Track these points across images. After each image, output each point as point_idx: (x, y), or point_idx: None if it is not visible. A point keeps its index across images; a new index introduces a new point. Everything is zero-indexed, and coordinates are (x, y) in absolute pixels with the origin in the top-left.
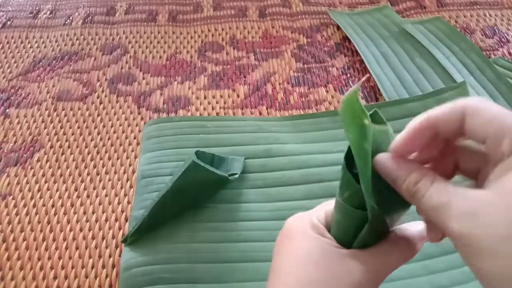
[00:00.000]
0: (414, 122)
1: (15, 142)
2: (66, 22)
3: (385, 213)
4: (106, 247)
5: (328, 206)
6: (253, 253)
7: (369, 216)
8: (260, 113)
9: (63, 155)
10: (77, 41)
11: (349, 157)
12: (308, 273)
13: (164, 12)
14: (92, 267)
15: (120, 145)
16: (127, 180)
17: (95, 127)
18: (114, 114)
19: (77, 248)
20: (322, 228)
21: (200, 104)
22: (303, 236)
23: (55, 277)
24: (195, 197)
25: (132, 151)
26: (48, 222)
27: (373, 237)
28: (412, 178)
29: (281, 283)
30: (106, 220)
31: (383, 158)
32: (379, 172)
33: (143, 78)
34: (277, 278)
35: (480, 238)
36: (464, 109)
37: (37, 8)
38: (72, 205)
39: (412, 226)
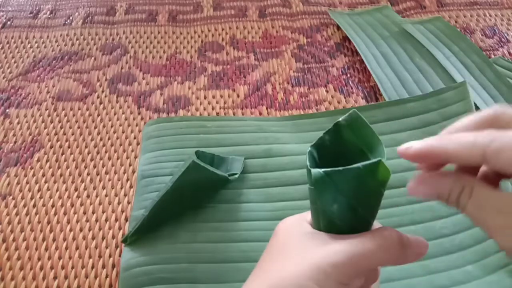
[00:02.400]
0: (430, 150)
1: (15, 142)
2: (66, 22)
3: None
4: (106, 247)
5: None
6: (253, 253)
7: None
8: (260, 113)
9: (63, 155)
10: (77, 41)
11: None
12: (283, 259)
13: (164, 12)
14: (92, 267)
15: (120, 145)
16: (127, 180)
17: (95, 127)
18: (114, 114)
19: (77, 248)
20: (307, 225)
21: (200, 104)
22: (286, 231)
23: (55, 277)
24: (195, 197)
25: (132, 151)
26: (48, 222)
27: (345, 224)
28: (453, 195)
29: (255, 275)
30: (106, 220)
31: (414, 186)
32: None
33: (143, 78)
34: (253, 272)
35: None
36: (484, 150)
37: (37, 8)
38: (72, 205)
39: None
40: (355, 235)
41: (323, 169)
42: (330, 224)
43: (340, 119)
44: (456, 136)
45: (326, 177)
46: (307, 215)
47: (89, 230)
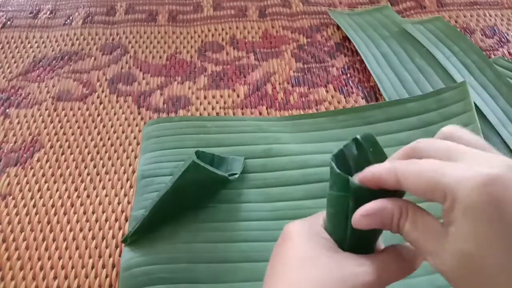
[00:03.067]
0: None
1: (15, 142)
2: (66, 22)
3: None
4: (106, 247)
5: (324, 213)
6: (253, 253)
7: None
8: (260, 113)
9: (63, 155)
10: (77, 41)
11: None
12: (304, 272)
13: (164, 12)
14: (92, 267)
15: (120, 145)
16: (127, 180)
17: (95, 127)
18: (114, 114)
19: (77, 248)
20: (321, 230)
21: (200, 104)
22: (301, 236)
23: (55, 277)
24: (195, 197)
25: (132, 151)
26: (48, 222)
27: (361, 240)
28: (394, 221)
29: (273, 283)
30: (106, 220)
31: (361, 212)
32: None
33: (143, 78)
34: (269, 280)
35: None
36: (396, 177)
37: (37, 8)
38: (72, 205)
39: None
40: (376, 255)
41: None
42: (357, 236)
43: (358, 136)
44: (383, 164)
45: (365, 190)
46: (318, 220)
47: (89, 230)
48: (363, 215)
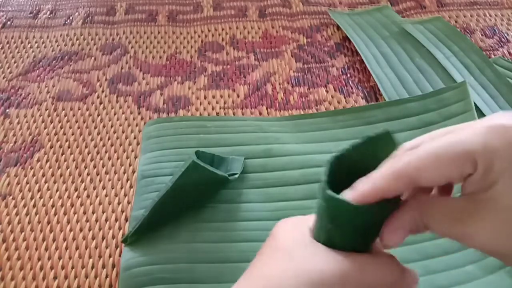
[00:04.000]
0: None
1: (15, 142)
2: (66, 22)
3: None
4: (106, 247)
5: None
6: (253, 253)
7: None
8: (260, 113)
9: (63, 155)
10: (77, 41)
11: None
12: (276, 263)
13: (164, 12)
14: (92, 267)
15: (120, 145)
16: (127, 180)
17: (95, 127)
18: (114, 114)
19: (77, 248)
20: (306, 229)
21: (200, 104)
22: (284, 232)
23: (55, 277)
24: (195, 197)
25: (132, 151)
26: (48, 222)
27: (345, 239)
28: (419, 222)
29: (249, 272)
30: (106, 220)
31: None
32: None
33: (143, 78)
34: (248, 269)
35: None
36: (409, 176)
37: (37, 8)
38: (72, 205)
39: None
40: (359, 253)
41: (337, 195)
42: (330, 241)
43: (373, 134)
44: (378, 172)
45: (338, 201)
46: (309, 220)
47: (89, 230)
48: (392, 232)
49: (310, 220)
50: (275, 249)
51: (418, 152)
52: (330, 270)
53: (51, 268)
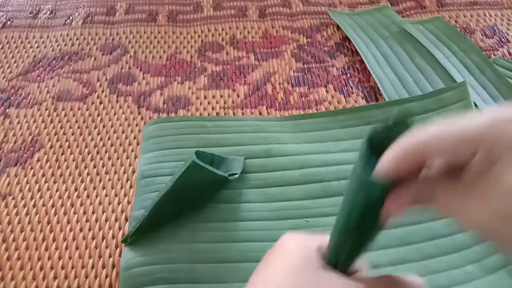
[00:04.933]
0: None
1: (15, 142)
2: (66, 22)
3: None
4: (106, 247)
5: (322, 238)
6: (253, 253)
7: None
8: (260, 113)
9: (63, 155)
10: (77, 41)
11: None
12: (287, 279)
13: (164, 12)
14: (92, 267)
15: (120, 145)
16: (127, 180)
17: (95, 127)
18: (114, 114)
19: (77, 248)
20: (314, 251)
21: (200, 104)
22: (295, 249)
23: (55, 277)
24: (195, 197)
25: (132, 151)
26: (48, 222)
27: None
28: (425, 192)
29: (261, 284)
30: (106, 220)
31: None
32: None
33: (143, 78)
34: (256, 278)
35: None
36: (418, 150)
37: (37, 8)
38: (72, 205)
39: (410, 277)
40: (363, 279)
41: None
42: (363, 220)
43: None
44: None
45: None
46: (316, 240)
47: (89, 230)
48: (396, 198)
49: (317, 240)
50: (282, 264)
51: (429, 128)
52: None
53: (51, 268)
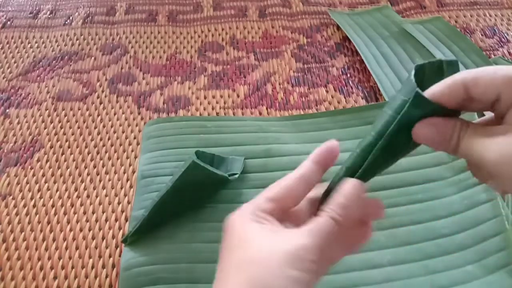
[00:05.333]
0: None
1: (15, 142)
2: (66, 22)
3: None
4: (106, 247)
5: (273, 186)
6: None
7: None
8: (260, 113)
9: (63, 155)
10: (77, 41)
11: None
12: (239, 254)
13: (164, 12)
14: (92, 267)
15: (120, 145)
16: (127, 180)
17: (95, 127)
18: (114, 114)
19: (77, 248)
20: (261, 214)
21: (200, 104)
22: (237, 224)
23: (55, 277)
24: (195, 197)
25: (132, 151)
26: (48, 222)
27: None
28: (455, 133)
29: (218, 272)
30: (106, 220)
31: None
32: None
33: (143, 78)
34: (217, 272)
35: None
36: (464, 82)
37: (37, 8)
38: (72, 205)
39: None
40: (309, 224)
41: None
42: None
43: (443, 59)
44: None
45: (427, 101)
46: (252, 204)
47: (89, 230)
48: (429, 123)
49: (255, 204)
50: (242, 242)
51: (478, 68)
52: (306, 240)
53: (51, 268)
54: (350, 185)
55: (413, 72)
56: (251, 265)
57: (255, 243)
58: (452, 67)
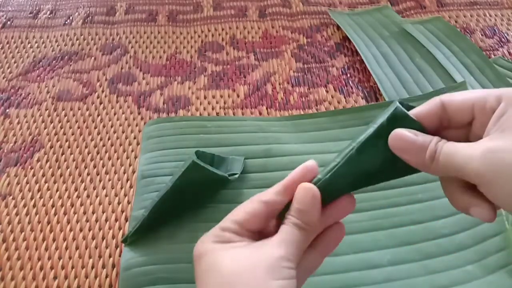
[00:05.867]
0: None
1: (15, 142)
2: (66, 22)
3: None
4: (106, 247)
5: (237, 209)
6: None
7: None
8: (260, 113)
9: (63, 155)
10: (77, 41)
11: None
12: (216, 276)
13: (164, 12)
14: (92, 267)
15: (120, 145)
16: (127, 180)
17: (95, 127)
18: (114, 114)
19: (77, 248)
20: (227, 235)
21: (200, 104)
22: (207, 253)
23: (55, 277)
24: (195, 197)
25: (132, 151)
26: (48, 222)
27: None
28: (433, 142)
29: None
30: (106, 220)
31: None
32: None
33: (143, 78)
34: None
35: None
36: (441, 99)
37: (37, 8)
38: (72, 205)
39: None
40: (278, 233)
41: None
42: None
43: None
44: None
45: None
46: (216, 229)
47: (89, 230)
48: (407, 130)
49: (224, 225)
50: (209, 271)
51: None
52: (282, 250)
53: (51, 268)
54: (302, 190)
55: (397, 101)
56: (234, 285)
57: (227, 263)
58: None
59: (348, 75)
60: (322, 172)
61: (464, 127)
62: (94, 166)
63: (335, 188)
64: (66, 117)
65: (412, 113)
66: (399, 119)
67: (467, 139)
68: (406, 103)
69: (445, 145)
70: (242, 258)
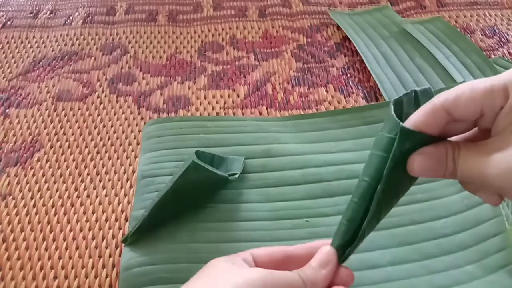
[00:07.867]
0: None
1: (15, 142)
2: (66, 22)
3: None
4: (106, 247)
5: (260, 249)
6: None
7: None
8: (260, 113)
9: (63, 155)
10: (77, 41)
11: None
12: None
13: (164, 12)
14: (92, 267)
15: (120, 145)
16: (127, 180)
17: (95, 127)
18: (114, 114)
19: (77, 248)
20: (239, 260)
21: (200, 104)
22: (213, 261)
23: (55, 277)
24: (195, 197)
25: (132, 151)
26: (48, 222)
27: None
28: (449, 156)
29: None
30: (106, 220)
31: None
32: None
33: (143, 78)
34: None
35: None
36: (444, 106)
37: (37, 8)
38: (72, 205)
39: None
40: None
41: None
42: (392, 180)
43: (417, 89)
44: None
45: (413, 133)
46: (235, 256)
47: (89, 230)
48: (421, 153)
49: (245, 256)
50: (206, 276)
51: (455, 88)
52: (256, 281)
53: (51, 268)
54: (324, 253)
55: (392, 108)
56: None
57: (221, 264)
58: (426, 95)
59: (348, 75)
60: (350, 214)
61: (472, 123)
62: (94, 166)
63: (371, 226)
64: (66, 117)
65: (416, 126)
66: (408, 140)
67: (474, 126)
68: (410, 94)
69: (461, 157)
70: (227, 275)
